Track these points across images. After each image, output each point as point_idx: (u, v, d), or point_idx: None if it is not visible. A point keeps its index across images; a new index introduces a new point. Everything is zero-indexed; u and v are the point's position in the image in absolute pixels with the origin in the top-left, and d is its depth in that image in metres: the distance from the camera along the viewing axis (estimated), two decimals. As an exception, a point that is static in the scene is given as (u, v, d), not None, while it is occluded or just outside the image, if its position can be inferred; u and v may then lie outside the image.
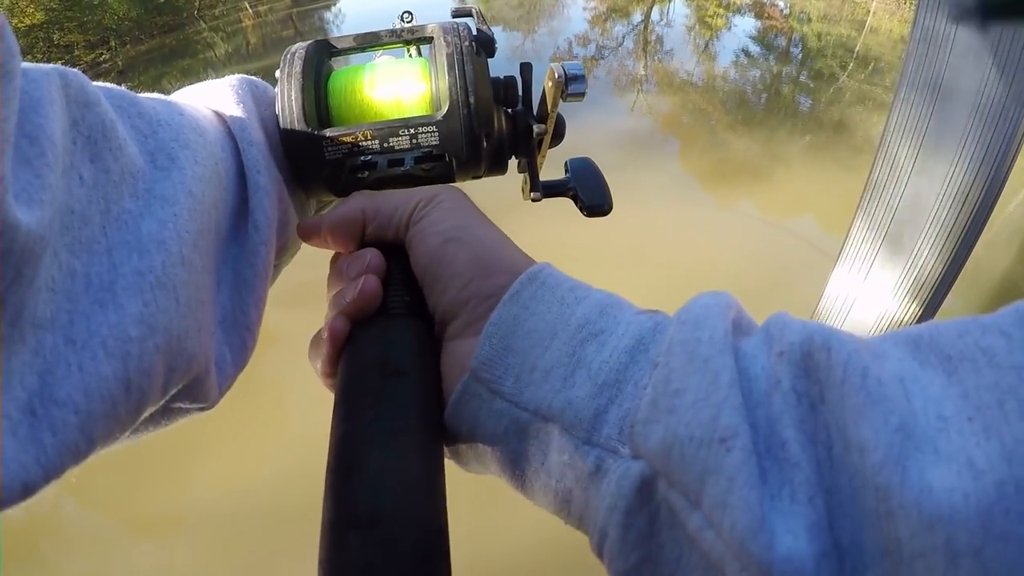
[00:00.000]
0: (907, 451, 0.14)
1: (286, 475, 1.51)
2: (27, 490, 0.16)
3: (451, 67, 0.28)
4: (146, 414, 0.20)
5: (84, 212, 0.19)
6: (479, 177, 0.32)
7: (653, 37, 6.80)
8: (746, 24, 8.86)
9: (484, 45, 0.29)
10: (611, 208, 0.32)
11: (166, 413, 0.23)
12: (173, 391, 0.21)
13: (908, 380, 0.16)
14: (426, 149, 0.28)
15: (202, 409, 0.25)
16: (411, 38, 0.31)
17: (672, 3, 9.14)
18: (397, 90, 0.29)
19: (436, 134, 0.28)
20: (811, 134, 3.92)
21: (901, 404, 0.15)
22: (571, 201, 0.33)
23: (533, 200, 0.32)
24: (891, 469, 0.14)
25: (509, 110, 0.31)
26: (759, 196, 2.78)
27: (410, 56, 0.35)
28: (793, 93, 5.21)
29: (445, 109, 0.28)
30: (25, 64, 0.18)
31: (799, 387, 0.17)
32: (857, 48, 7.47)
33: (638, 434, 0.18)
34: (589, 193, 0.32)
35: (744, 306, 0.21)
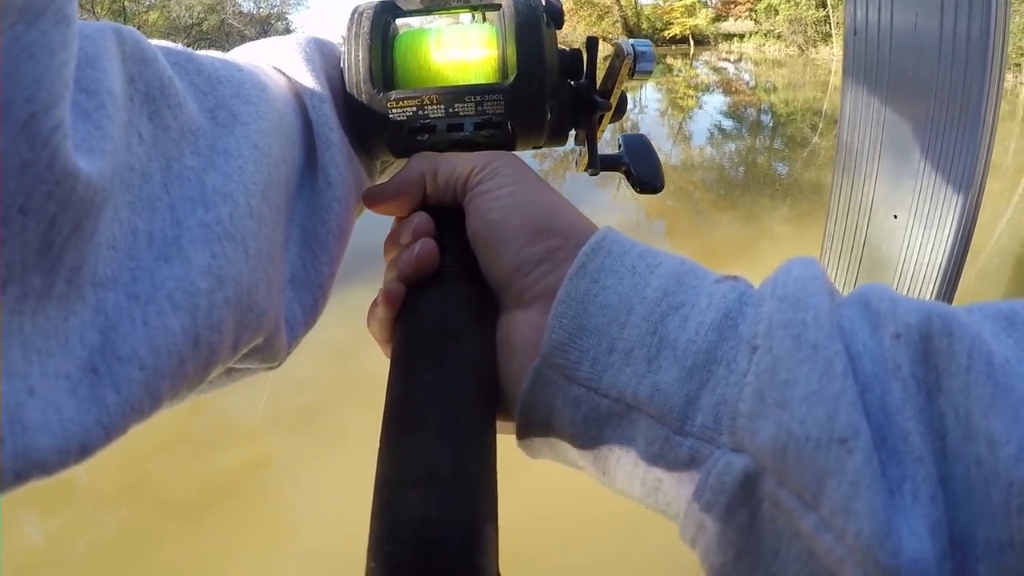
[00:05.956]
0: None
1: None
2: (86, 451, 0.15)
3: (521, 36, 0.27)
4: (214, 373, 0.20)
5: (144, 170, 0.19)
6: (539, 147, 0.32)
7: (628, 124, 7.19)
8: (716, 101, 9.37)
9: (553, 16, 0.29)
10: (663, 186, 0.32)
11: (231, 373, 0.23)
12: (243, 350, 0.21)
13: (1014, 362, 0.15)
14: (488, 116, 0.28)
15: (269, 368, 0.24)
16: (479, 4, 0.31)
17: (643, 89, 9.72)
18: (464, 55, 0.29)
19: (502, 102, 0.28)
20: (791, 197, 4.06)
21: None
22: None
23: (590, 174, 0.32)
24: None
25: (573, 83, 0.31)
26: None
27: (475, 22, 0.35)
28: (769, 161, 5.44)
29: (512, 78, 0.27)
30: (79, 21, 0.17)
31: (918, 373, 0.16)
32: (824, 108, 7.85)
33: (742, 428, 0.17)
34: (642, 169, 0.32)
35: None
